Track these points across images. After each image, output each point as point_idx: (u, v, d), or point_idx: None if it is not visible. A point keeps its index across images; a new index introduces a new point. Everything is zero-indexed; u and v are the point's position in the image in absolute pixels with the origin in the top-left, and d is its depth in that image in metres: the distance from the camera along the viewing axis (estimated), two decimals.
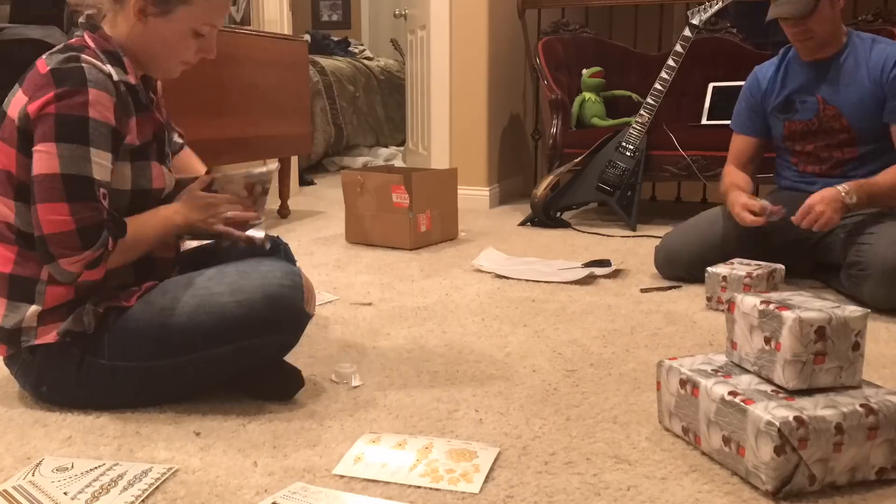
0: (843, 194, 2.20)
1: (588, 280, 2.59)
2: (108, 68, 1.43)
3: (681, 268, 2.52)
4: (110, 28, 1.51)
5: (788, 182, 2.54)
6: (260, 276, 1.47)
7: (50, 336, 1.45)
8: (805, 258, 2.49)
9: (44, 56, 1.45)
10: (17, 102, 1.41)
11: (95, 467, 1.27)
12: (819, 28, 2.30)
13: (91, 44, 1.47)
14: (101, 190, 1.40)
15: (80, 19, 1.52)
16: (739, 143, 2.60)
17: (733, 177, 2.52)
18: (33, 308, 1.45)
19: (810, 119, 2.40)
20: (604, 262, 2.75)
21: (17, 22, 2.51)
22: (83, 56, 1.41)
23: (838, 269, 2.33)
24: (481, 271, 2.68)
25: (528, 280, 2.57)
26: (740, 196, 2.39)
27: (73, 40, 1.48)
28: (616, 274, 2.66)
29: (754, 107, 2.54)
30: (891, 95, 2.28)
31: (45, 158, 1.36)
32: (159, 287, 1.49)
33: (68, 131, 1.36)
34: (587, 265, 2.74)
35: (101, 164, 1.39)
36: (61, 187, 1.36)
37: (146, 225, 1.50)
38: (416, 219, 3.12)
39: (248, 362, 1.50)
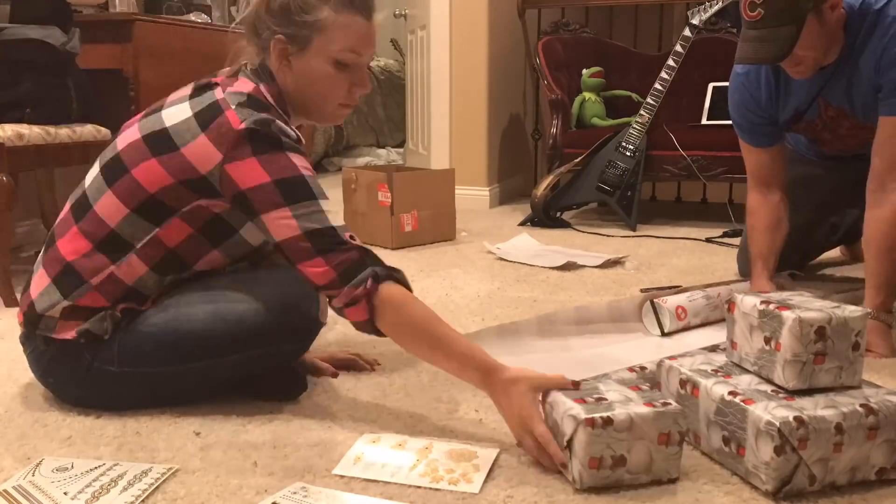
0: (885, 323, 1.85)
1: (570, 267, 2.72)
2: (292, 132, 1.43)
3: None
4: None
5: (801, 148, 2.39)
6: (276, 285, 1.47)
7: (69, 334, 1.43)
8: None
9: (231, 104, 1.40)
10: (203, 149, 1.39)
11: (95, 467, 1.27)
12: (810, 52, 1.89)
13: (270, 99, 1.45)
14: (346, 233, 1.41)
15: (250, 66, 1.49)
16: (758, 158, 2.19)
17: (759, 242, 2.14)
18: (65, 301, 1.43)
19: (813, 120, 2.16)
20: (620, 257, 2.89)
21: (17, 22, 2.51)
22: (277, 121, 1.40)
23: None
24: (501, 259, 2.69)
25: (536, 266, 2.57)
26: (759, 280, 2.11)
27: (249, 88, 1.44)
28: (613, 269, 2.66)
29: (757, 119, 2.17)
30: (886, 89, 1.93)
31: (285, 225, 1.37)
32: (174, 292, 1.48)
33: (295, 193, 1.38)
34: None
35: (330, 210, 1.42)
36: (310, 245, 1.37)
37: (456, 341, 1.36)
38: (399, 218, 3.10)
39: (256, 368, 1.50)
